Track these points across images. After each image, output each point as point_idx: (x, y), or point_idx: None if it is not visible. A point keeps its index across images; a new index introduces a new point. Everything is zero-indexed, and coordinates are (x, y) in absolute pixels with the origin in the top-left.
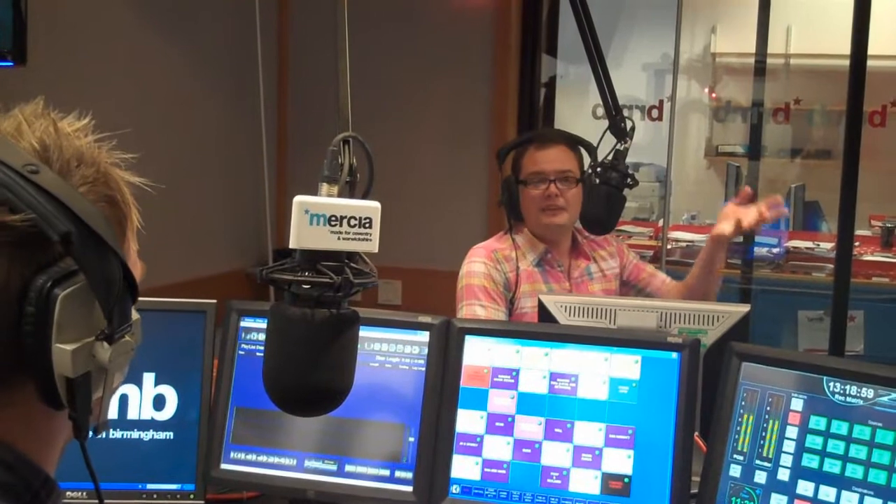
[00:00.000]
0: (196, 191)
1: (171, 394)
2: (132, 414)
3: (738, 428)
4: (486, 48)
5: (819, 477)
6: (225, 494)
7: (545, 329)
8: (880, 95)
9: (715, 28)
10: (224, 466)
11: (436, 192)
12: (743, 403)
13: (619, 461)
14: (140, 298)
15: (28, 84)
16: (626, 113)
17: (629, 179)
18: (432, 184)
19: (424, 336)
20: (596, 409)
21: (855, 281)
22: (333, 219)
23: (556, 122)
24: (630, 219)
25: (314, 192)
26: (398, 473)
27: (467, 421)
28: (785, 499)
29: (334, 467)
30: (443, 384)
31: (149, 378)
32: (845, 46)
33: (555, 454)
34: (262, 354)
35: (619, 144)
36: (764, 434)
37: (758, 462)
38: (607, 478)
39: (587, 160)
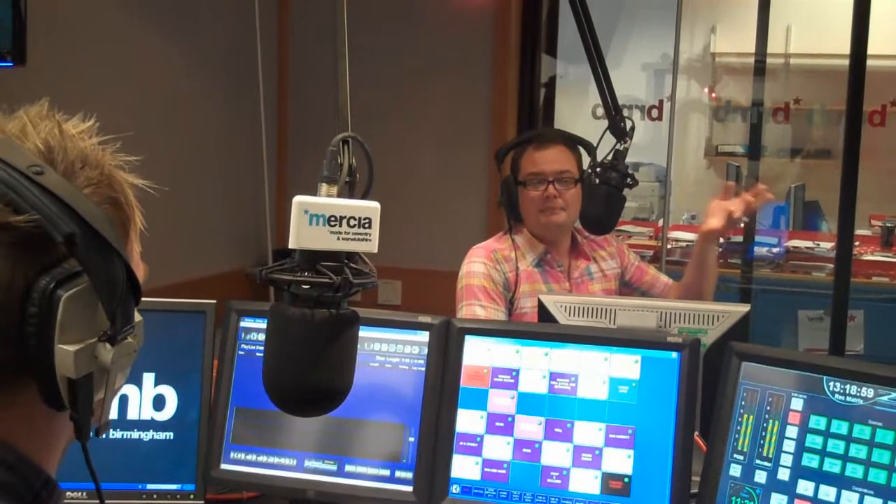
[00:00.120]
0: (196, 191)
1: (170, 394)
2: (132, 414)
3: (739, 428)
4: (486, 48)
5: (819, 476)
6: (225, 494)
7: (545, 329)
8: (880, 95)
9: (714, 28)
10: (224, 466)
11: (435, 192)
12: (743, 403)
13: (619, 461)
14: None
15: (28, 84)
16: (625, 113)
17: (629, 179)
18: (432, 184)
19: (424, 336)
20: (596, 408)
21: (855, 280)
22: (333, 219)
23: (555, 122)
24: (630, 219)
25: (314, 192)
26: (398, 473)
27: (467, 421)
28: (785, 498)
29: (334, 467)
30: (443, 384)
31: (149, 378)
32: (845, 46)
33: (555, 454)
34: (261, 354)
35: (618, 144)
36: (764, 434)
37: (758, 462)
38: (607, 477)
39: (587, 160)
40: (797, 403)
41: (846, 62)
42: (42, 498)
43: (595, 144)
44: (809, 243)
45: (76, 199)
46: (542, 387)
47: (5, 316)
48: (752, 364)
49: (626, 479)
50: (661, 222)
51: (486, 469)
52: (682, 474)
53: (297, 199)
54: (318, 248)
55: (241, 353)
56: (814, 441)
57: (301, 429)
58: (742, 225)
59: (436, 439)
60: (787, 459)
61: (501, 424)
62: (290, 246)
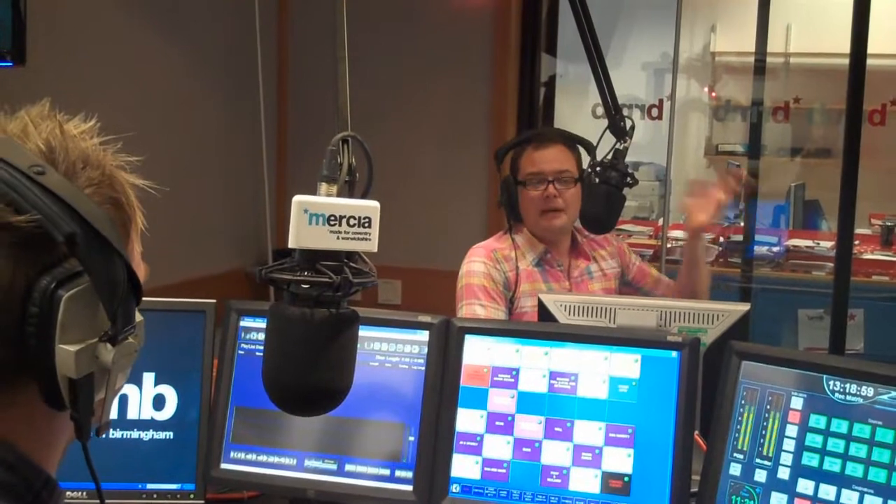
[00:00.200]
0: (196, 191)
1: (170, 393)
2: (132, 414)
3: (738, 427)
4: (486, 47)
5: (819, 475)
6: (225, 494)
7: (545, 328)
8: (880, 94)
9: (714, 27)
10: (224, 466)
11: (435, 191)
12: (743, 402)
13: (619, 460)
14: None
15: (27, 84)
16: (625, 112)
17: (629, 178)
18: (432, 183)
19: (424, 335)
20: (596, 408)
21: (855, 279)
22: (332, 218)
23: (555, 121)
24: (630, 218)
25: (314, 191)
26: (398, 473)
27: (467, 420)
28: (785, 497)
29: (334, 467)
30: (442, 383)
31: (148, 378)
32: (845, 45)
33: (555, 453)
34: (261, 354)
35: (618, 143)
36: (764, 433)
37: (758, 461)
38: (607, 477)
39: (586, 159)
40: (797, 402)
41: (846, 61)
42: (42, 498)
43: (595, 144)
44: (809, 242)
45: (77, 199)
46: (542, 386)
47: (6, 316)
48: (752, 363)
49: (626, 479)
50: (660, 221)
51: (486, 468)
52: (682, 473)
53: (297, 198)
54: (318, 247)
55: (240, 352)
56: (814, 440)
57: (301, 428)
58: (742, 224)
59: (436, 439)
60: (787, 458)
61: (501, 424)
62: (290, 245)
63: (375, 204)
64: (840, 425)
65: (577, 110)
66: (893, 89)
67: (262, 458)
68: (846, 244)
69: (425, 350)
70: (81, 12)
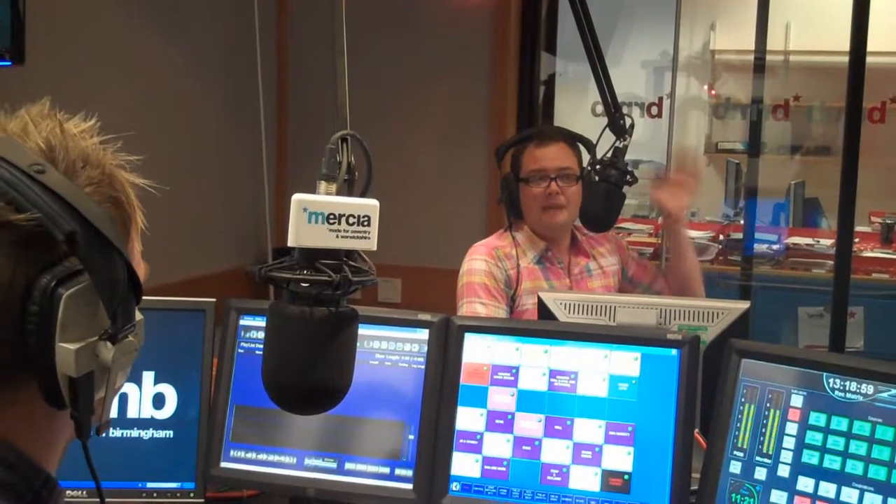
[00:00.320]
0: (196, 190)
1: (170, 392)
2: (132, 412)
3: (738, 424)
4: (486, 46)
5: (819, 473)
6: (225, 493)
7: (545, 326)
8: (880, 92)
9: (714, 25)
10: (224, 465)
11: (435, 189)
12: (743, 400)
13: (619, 458)
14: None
15: (26, 84)
16: (625, 110)
17: (628, 177)
18: (431, 182)
19: (424, 334)
20: (596, 406)
21: (855, 277)
22: (332, 217)
23: (555, 119)
24: (630, 216)
25: (313, 190)
26: (398, 471)
27: (467, 418)
28: (785, 495)
29: (334, 465)
30: (442, 382)
31: (148, 377)
32: (844, 43)
33: (555, 451)
34: (261, 353)
35: (618, 142)
36: (764, 430)
37: (758, 458)
38: (607, 475)
39: (585, 158)
40: (797, 400)
41: (846, 59)
42: (42, 497)
43: (595, 142)
44: (809, 240)
45: (77, 197)
46: (542, 384)
47: (6, 314)
48: (751, 361)
49: (626, 477)
50: (660, 219)
51: (486, 466)
52: (682, 471)
53: (296, 197)
54: (318, 245)
55: (240, 351)
56: (814, 438)
57: (301, 427)
58: (742, 222)
59: (436, 437)
60: (786, 456)
61: (501, 422)
62: (290, 244)
63: (375, 202)
64: (840, 423)
65: (577, 108)
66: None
67: (262, 456)
68: (846, 242)
69: (425, 348)
70: (80, 12)
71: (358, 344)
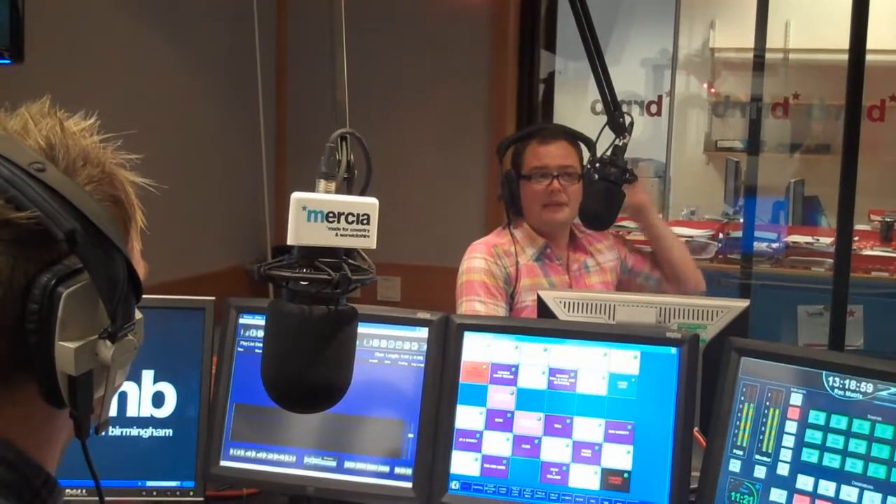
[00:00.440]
0: (195, 188)
1: (170, 391)
2: (131, 411)
3: (738, 423)
4: (485, 45)
5: (818, 471)
6: (224, 491)
7: (544, 325)
8: (879, 90)
9: (713, 23)
10: (223, 463)
11: (434, 188)
12: (742, 398)
13: (619, 457)
14: None
15: (25, 82)
16: (624, 108)
17: (628, 175)
18: (431, 180)
19: (423, 332)
20: (595, 404)
21: (854, 275)
22: (331, 215)
23: (554, 117)
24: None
25: (312, 188)
26: (398, 470)
27: (466, 417)
28: (784, 493)
29: (334, 464)
30: (442, 380)
31: (148, 375)
32: (844, 41)
33: (554, 450)
34: (260, 351)
35: (617, 140)
36: (763, 429)
37: (757, 457)
38: (607, 473)
39: (587, 156)
40: (796, 398)
41: (845, 57)
42: (42, 496)
43: (594, 140)
44: (809, 238)
45: (77, 196)
46: (542, 383)
47: (6, 313)
48: (751, 359)
49: (626, 475)
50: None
51: (485, 465)
52: (681, 470)
53: (296, 195)
54: (317, 244)
55: (240, 349)
56: (813, 436)
57: (300, 425)
58: (741, 220)
59: (435, 435)
60: (786, 454)
61: (501, 420)
62: (289, 242)
63: (374, 201)
64: (839, 421)
65: (577, 107)
66: (893, 85)
67: (262, 455)
68: (845, 240)
69: (424, 347)
70: (80, 10)
71: (357, 342)
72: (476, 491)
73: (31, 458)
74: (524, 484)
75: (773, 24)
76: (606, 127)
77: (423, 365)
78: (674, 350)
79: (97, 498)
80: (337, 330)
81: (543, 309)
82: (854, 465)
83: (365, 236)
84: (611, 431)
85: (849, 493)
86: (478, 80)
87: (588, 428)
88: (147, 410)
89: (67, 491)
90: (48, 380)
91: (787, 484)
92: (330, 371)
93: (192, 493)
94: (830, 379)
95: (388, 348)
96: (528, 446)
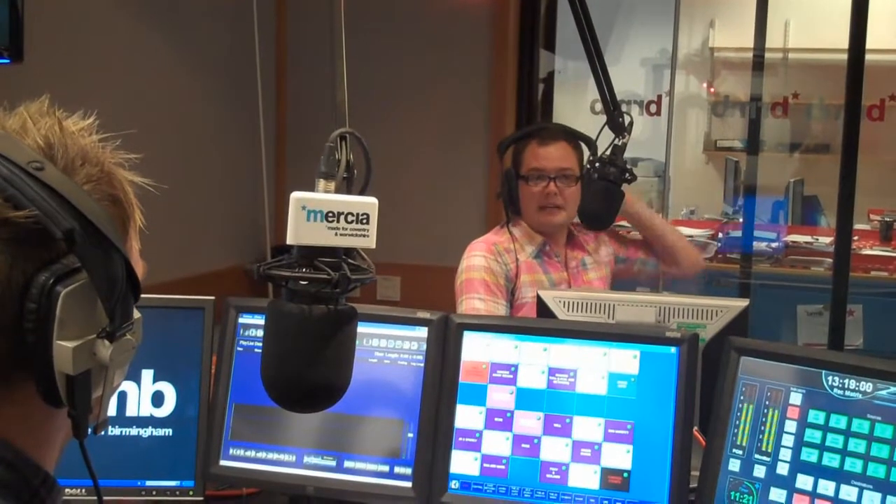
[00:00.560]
0: (195, 188)
1: (169, 391)
2: (131, 411)
3: (737, 422)
4: (485, 44)
5: (818, 471)
6: (224, 491)
7: (544, 324)
8: (879, 89)
9: (713, 23)
10: (223, 463)
11: (434, 187)
12: (742, 398)
13: (619, 456)
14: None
15: (25, 81)
16: (624, 108)
17: (627, 174)
18: (430, 180)
19: (423, 332)
20: (595, 404)
21: (854, 275)
22: (331, 215)
23: (554, 117)
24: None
25: (312, 188)
26: (397, 469)
27: (466, 416)
28: (784, 493)
29: (333, 463)
30: (441, 380)
31: (147, 375)
32: (843, 40)
33: (554, 449)
34: (260, 351)
35: (617, 139)
36: (763, 428)
37: (757, 456)
38: (606, 472)
39: (587, 155)
40: (796, 398)
41: (845, 57)
42: (41, 495)
43: (594, 140)
44: (808, 238)
45: (76, 195)
46: (541, 382)
47: (4, 311)
48: (750, 359)
49: (626, 474)
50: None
51: (485, 465)
52: (681, 469)
53: (295, 195)
54: (316, 244)
55: (239, 349)
56: (813, 435)
57: (300, 425)
58: (741, 219)
59: (435, 435)
60: (786, 454)
61: (500, 420)
62: (288, 242)
63: (373, 200)
64: (839, 421)
65: (576, 106)
66: (892, 84)
67: (261, 454)
68: (845, 239)
69: (424, 346)
70: (79, 10)
71: (357, 342)
72: (476, 490)
73: (29, 458)
74: (524, 483)
75: (773, 23)
76: (606, 126)
77: (422, 364)
78: (673, 349)
79: (96, 498)
80: (336, 329)
81: (543, 308)
82: (853, 465)
83: (364, 236)
84: (610, 431)
85: (848, 492)
86: (478, 80)
87: (588, 427)
88: (147, 410)
89: (67, 490)
90: (46, 379)
91: (787, 483)
92: (329, 371)
93: (191, 493)
94: (830, 378)
95: (388, 348)
96: (527, 446)
